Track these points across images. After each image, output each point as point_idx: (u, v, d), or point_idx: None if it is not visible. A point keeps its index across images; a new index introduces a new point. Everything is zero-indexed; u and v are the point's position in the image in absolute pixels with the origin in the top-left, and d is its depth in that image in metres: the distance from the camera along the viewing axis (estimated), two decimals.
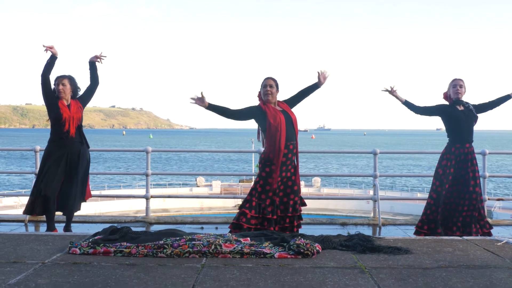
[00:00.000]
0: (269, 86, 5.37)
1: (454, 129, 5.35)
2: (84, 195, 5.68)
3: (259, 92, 5.52)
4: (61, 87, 5.52)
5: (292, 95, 5.58)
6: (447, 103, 5.47)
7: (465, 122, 5.30)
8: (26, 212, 5.33)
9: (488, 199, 8.44)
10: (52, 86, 5.56)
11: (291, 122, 5.28)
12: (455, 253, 3.55)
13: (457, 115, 5.29)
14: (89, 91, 5.79)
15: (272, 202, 4.95)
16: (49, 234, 4.12)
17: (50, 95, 5.52)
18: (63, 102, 5.56)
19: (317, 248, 3.54)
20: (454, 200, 5.15)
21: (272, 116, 5.22)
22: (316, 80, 5.42)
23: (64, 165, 5.44)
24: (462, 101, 5.36)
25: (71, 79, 5.62)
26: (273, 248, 3.56)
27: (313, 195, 31.21)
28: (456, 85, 5.34)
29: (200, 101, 5.16)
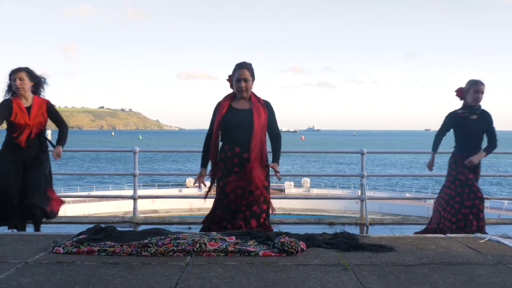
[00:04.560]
0: (243, 80, 4.35)
1: (463, 140, 5.15)
2: (51, 205, 4.94)
3: (230, 77, 4.52)
4: (18, 82, 4.74)
5: (272, 126, 4.48)
6: (457, 108, 5.21)
7: (476, 132, 5.09)
8: None
9: None
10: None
11: (249, 123, 4.30)
12: (438, 251, 3.58)
13: (469, 127, 5.06)
14: (55, 121, 5.07)
15: (228, 210, 4.31)
16: (32, 234, 4.09)
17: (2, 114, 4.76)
18: (20, 103, 4.78)
19: (302, 246, 3.55)
20: (468, 202, 4.98)
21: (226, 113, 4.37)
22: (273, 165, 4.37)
23: (19, 169, 4.77)
24: (478, 108, 5.08)
25: (28, 72, 4.85)
26: (257, 246, 3.57)
27: (302, 196, 31.30)
28: (479, 92, 5.01)
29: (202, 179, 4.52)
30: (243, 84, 4.36)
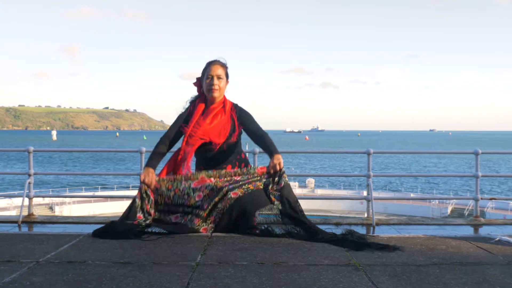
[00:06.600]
0: (216, 77, 3.81)
1: None
2: None
3: (198, 80, 3.97)
4: None
5: (250, 129, 3.97)
6: None
7: None
8: None
9: (481, 198, 8.49)
10: None
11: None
12: (448, 251, 3.58)
13: None
14: None
15: None
16: (43, 234, 4.11)
17: None
18: None
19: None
20: None
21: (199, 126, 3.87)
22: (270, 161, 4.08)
23: None
24: None
25: None
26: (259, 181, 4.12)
27: (307, 196, 31.30)
28: None
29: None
30: (215, 80, 3.80)
